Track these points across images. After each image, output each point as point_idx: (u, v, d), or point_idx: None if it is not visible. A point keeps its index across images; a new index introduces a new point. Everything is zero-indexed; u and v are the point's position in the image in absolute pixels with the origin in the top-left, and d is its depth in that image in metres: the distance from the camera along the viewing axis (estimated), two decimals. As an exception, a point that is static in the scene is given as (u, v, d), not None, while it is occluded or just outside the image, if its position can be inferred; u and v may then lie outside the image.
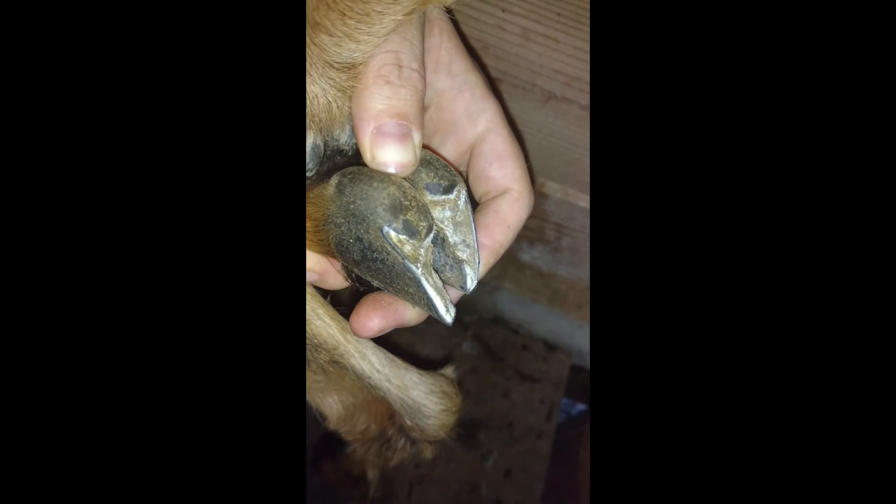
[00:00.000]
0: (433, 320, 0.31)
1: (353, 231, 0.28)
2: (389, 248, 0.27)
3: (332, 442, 0.60)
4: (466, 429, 0.67)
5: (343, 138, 0.29)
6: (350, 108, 0.27)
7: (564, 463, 0.69)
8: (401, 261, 0.27)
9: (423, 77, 0.28)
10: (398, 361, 0.42)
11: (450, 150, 0.33)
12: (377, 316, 0.30)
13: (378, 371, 0.40)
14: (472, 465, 0.65)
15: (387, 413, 0.43)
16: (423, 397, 0.43)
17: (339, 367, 0.40)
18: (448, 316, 0.29)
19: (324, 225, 0.28)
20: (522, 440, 0.67)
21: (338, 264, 0.30)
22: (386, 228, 0.27)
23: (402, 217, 0.27)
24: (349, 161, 0.29)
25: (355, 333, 0.31)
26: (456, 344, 0.71)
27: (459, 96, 0.32)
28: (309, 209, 0.28)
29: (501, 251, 0.32)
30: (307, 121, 0.26)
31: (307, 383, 0.40)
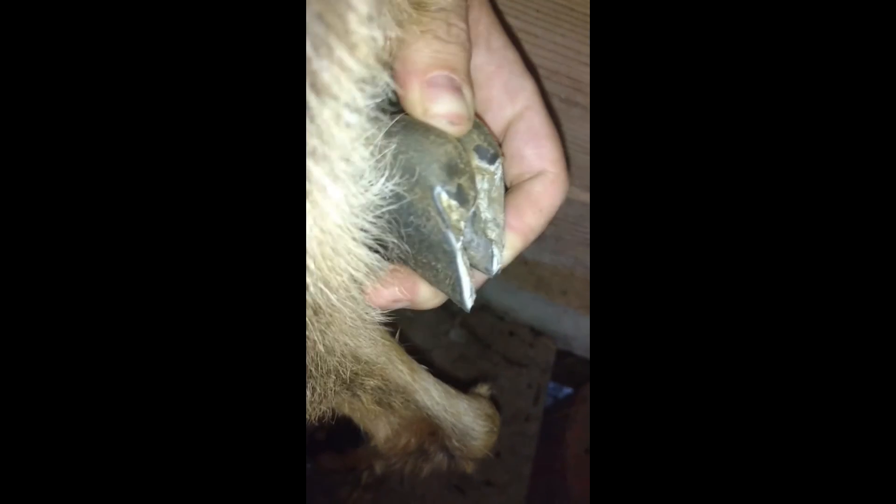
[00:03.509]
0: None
1: (395, 186, 0.24)
2: (434, 213, 0.25)
3: (338, 439, 0.63)
4: (456, 414, 0.69)
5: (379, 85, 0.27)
6: (395, 63, 0.25)
7: (551, 444, 0.71)
8: (443, 229, 0.25)
9: (469, 38, 0.27)
10: (452, 391, 0.45)
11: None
12: (396, 284, 0.29)
13: (438, 403, 0.43)
14: (462, 448, 0.67)
15: (428, 430, 0.46)
16: (472, 421, 0.47)
17: (402, 398, 0.42)
18: (470, 301, 0.27)
19: None
20: (511, 423, 0.69)
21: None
22: (438, 189, 0.24)
23: (457, 180, 0.25)
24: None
25: (369, 302, 0.29)
26: (444, 331, 0.73)
27: (498, 72, 0.30)
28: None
29: (532, 237, 0.30)
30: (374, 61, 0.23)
31: (366, 408, 0.42)
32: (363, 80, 0.20)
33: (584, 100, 0.41)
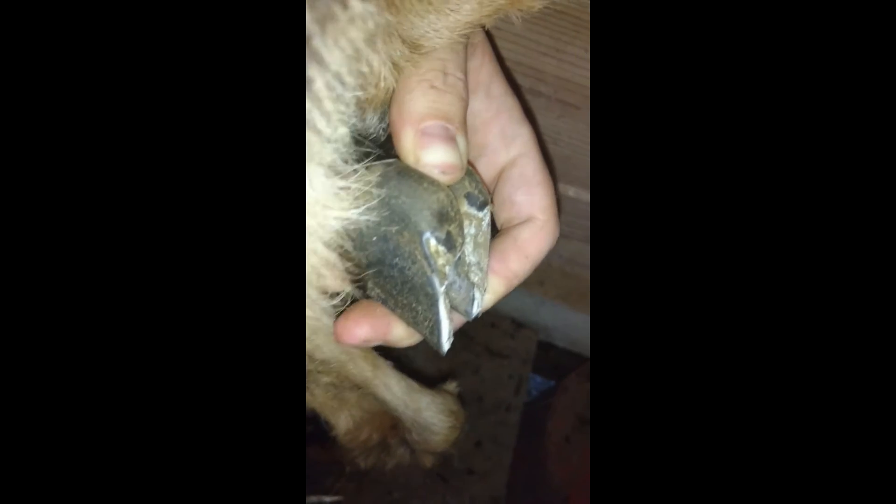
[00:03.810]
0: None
1: (384, 228, 0.25)
2: (420, 257, 0.25)
3: (322, 433, 0.64)
4: (439, 404, 0.70)
5: (373, 121, 0.28)
6: (391, 108, 0.26)
7: (532, 434, 0.72)
8: (428, 273, 0.25)
9: (467, 88, 0.27)
10: (415, 385, 0.45)
11: (481, 173, 0.31)
12: (367, 324, 0.29)
13: (398, 398, 0.43)
14: (444, 437, 0.68)
15: (389, 424, 0.47)
16: (433, 416, 0.47)
17: (359, 393, 0.42)
18: (447, 344, 0.27)
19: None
20: (492, 413, 0.70)
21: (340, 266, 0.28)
22: (427, 235, 0.25)
23: (446, 227, 0.25)
24: (379, 149, 0.28)
25: (338, 339, 0.30)
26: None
27: (496, 119, 0.31)
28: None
29: (515, 282, 0.30)
30: (356, 83, 0.24)
31: (323, 403, 0.42)
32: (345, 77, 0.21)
33: (547, 90, 0.42)
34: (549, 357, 0.80)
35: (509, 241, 0.30)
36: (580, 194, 0.52)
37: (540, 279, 0.66)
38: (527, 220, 0.30)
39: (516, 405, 0.71)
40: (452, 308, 0.28)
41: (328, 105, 0.21)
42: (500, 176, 0.31)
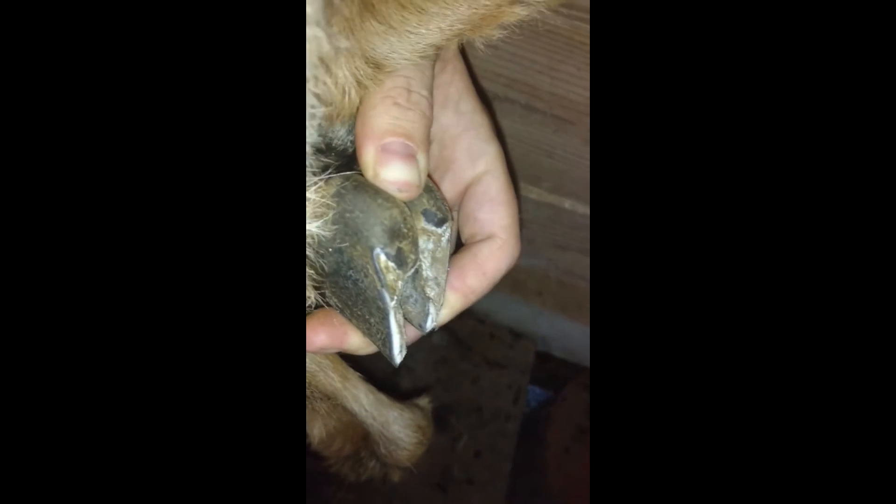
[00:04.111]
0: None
1: (338, 240, 0.26)
2: (371, 271, 0.26)
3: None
4: (438, 414, 0.70)
5: (341, 133, 0.28)
6: (356, 122, 0.27)
7: (531, 443, 0.73)
8: (378, 288, 0.26)
9: (431, 105, 0.27)
10: (384, 400, 0.46)
11: (446, 188, 0.32)
12: (324, 333, 0.29)
13: (366, 410, 0.44)
14: (443, 447, 0.68)
15: (361, 436, 0.47)
16: (400, 431, 0.47)
17: (329, 404, 0.42)
18: (399, 357, 0.27)
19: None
20: (491, 423, 0.71)
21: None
22: (378, 250, 0.25)
23: (397, 244, 0.25)
24: (345, 159, 0.28)
25: None
26: (426, 335, 0.74)
27: (463, 135, 0.31)
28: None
29: (472, 298, 0.30)
30: (316, 101, 0.25)
31: None
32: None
33: (543, 106, 0.43)
34: (548, 368, 0.81)
35: (469, 258, 0.30)
36: (576, 206, 0.53)
37: (538, 290, 0.67)
38: (487, 238, 0.30)
39: (515, 415, 0.72)
40: (407, 321, 0.28)
41: None
42: (465, 191, 0.31)
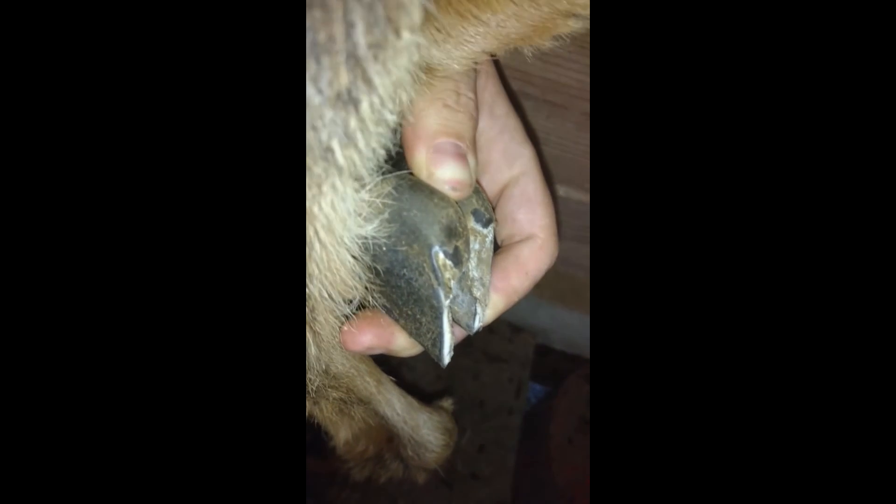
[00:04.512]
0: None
1: (394, 239, 0.26)
2: (428, 269, 0.26)
3: (321, 443, 0.64)
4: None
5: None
6: (404, 127, 0.27)
7: (535, 436, 0.72)
8: (435, 286, 0.26)
9: (477, 107, 0.28)
10: (414, 403, 0.46)
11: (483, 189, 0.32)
12: (371, 332, 0.29)
13: (398, 414, 0.44)
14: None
15: (385, 438, 0.48)
16: (429, 434, 0.48)
17: (364, 408, 0.43)
18: (448, 357, 0.28)
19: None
20: (494, 417, 0.71)
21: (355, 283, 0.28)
22: (436, 248, 0.25)
23: (454, 242, 0.26)
24: (393, 160, 0.28)
25: (343, 345, 0.30)
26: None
27: (499, 137, 0.32)
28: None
29: (515, 298, 0.31)
30: (398, 114, 0.25)
31: (328, 416, 0.43)
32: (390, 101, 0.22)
33: (535, 91, 0.43)
34: (548, 363, 0.81)
35: (510, 259, 0.30)
36: (570, 193, 0.53)
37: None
38: (527, 238, 0.31)
39: (517, 408, 0.71)
40: (454, 322, 0.28)
41: (371, 126, 0.21)
42: (501, 193, 0.32)
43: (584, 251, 0.60)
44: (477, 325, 0.29)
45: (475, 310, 0.29)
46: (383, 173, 0.27)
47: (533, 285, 0.31)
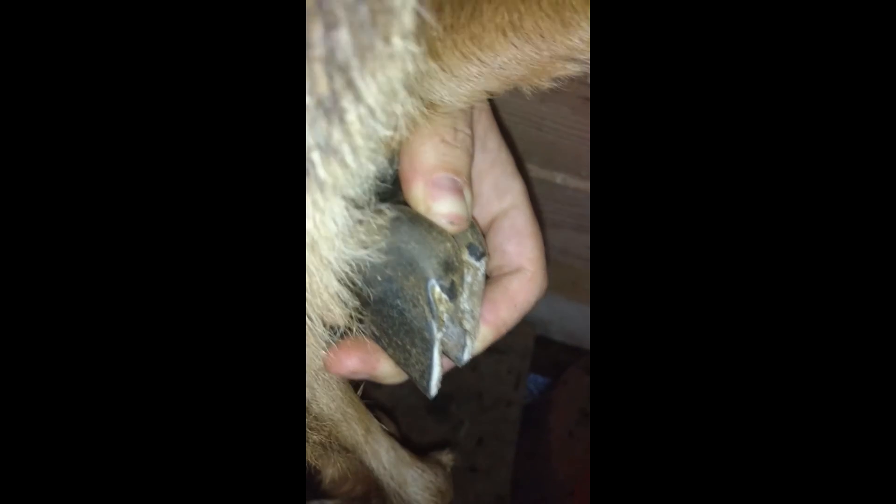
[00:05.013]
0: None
1: (390, 270, 0.26)
2: (423, 302, 0.26)
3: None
4: (438, 402, 0.69)
5: (383, 165, 0.29)
6: (401, 158, 0.28)
7: (534, 429, 0.72)
8: (429, 319, 0.26)
9: (473, 143, 0.29)
10: (405, 458, 0.45)
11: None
12: (356, 356, 0.30)
13: (385, 468, 0.43)
14: (445, 435, 0.68)
15: (373, 480, 0.46)
16: (417, 493, 0.46)
17: (346, 457, 0.42)
18: (435, 389, 0.28)
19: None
20: (492, 409, 0.70)
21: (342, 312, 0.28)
22: (433, 282, 0.26)
23: (451, 276, 0.26)
24: (388, 190, 0.29)
25: (327, 368, 0.30)
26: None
27: (490, 171, 0.32)
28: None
29: (504, 330, 0.31)
30: (390, 129, 0.25)
31: (310, 451, 0.41)
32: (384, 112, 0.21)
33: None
34: (548, 354, 0.80)
35: (500, 291, 0.31)
36: (567, 181, 0.52)
37: (533, 271, 0.66)
38: (517, 270, 0.31)
39: (516, 400, 0.71)
40: (444, 353, 0.29)
41: (359, 140, 0.21)
42: (491, 225, 0.32)
43: (583, 240, 0.59)
44: (466, 357, 0.29)
45: (465, 342, 0.29)
46: (383, 201, 0.27)
47: (521, 317, 0.32)
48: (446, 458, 0.51)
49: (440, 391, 0.71)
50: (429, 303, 0.26)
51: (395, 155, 0.28)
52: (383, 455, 0.42)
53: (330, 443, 0.38)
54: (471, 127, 0.29)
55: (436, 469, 0.48)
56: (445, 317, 0.27)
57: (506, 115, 0.47)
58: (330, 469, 0.44)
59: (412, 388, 0.66)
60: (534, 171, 0.52)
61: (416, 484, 0.45)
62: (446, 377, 0.71)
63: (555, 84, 0.28)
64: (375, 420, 0.42)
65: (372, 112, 0.20)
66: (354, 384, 0.40)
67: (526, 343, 0.73)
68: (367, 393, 0.48)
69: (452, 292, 0.26)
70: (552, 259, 0.64)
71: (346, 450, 0.40)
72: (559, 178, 0.52)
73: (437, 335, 0.26)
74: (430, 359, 0.27)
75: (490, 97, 0.29)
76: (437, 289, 0.26)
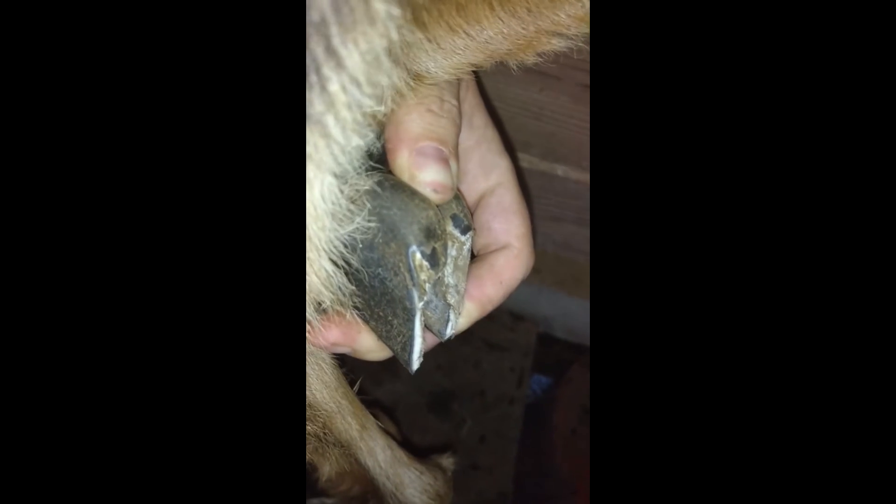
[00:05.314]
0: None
1: (371, 237, 0.26)
2: (404, 269, 0.26)
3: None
4: (440, 400, 0.68)
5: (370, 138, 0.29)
6: (387, 128, 0.27)
7: (537, 426, 0.71)
8: (410, 287, 0.26)
9: (460, 114, 0.29)
10: (402, 458, 0.43)
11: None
12: (337, 329, 0.29)
13: (380, 468, 0.42)
14: (447, 433, 0.67)
15: (371, 479, 0.44)
16: (415, 496, 0.44)
17: (340, 451, 0.40)
18: (417, 362, 0.28)
19: None
20: (495, 407, 0.69)
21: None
22: (414, 248, 0.25)
23: (432, 243, 0.26)
24: (378, 161, 0.28)
25: (308, 341, 0.30)
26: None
27: (476, 148, 0.32)
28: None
29: (489, 307, 0.31)
30: (376, 101, 0.24)
31: (307, 447, 0.40)
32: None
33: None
34: (551, 353, 0.79)
35: (486, 267, 0.31)
36: (568, 173, 0.51)
37: (536, 267, 0.65)
38: (503, 248, 0.31)
39: (519, 398, 0.70)
40: (427, 327, 0.28)
41: (344, 111, 0.20)
42: (478, 203, 0.32)
43: (586, 235, 0.58)
44: (449, 331, 0.29)
45: (448, 316, 0.28)
46: (366, 170, 0.26)
47: (507, 295, 0.32)
48: (447, 461, 0.49)
49: (442, 388, 0.70)
50: (410, 270, 0.25)
51: (382, 129, 0.28)
52: (379, 453, 0.41)
53: (325, 435, 0.38)
54: (458, 99, 0.29)
55: (435, 472, 0.46)
56: (428, 287, 0.26)
57: (503, 104, 0.46)
58: (327, 466, 0.43)
59: (413, 386, 0.65)
60: (534, 162, 0.51)
61: (413, 486, 0.44)
62: (446, 374, 0.70)
63: (540, 60, 0.28)
64: (371, 417, 0.41)
65: (356, 83, 0.19)
66: (350, 381, 0.39)
67: (528, 340, 0.73)
68: (367, 391, 0.47)
69: (434, 260, 0.26)
70: (554, 255, 0.63)
71: (341, 444, 0.39)
72: (560, 169, 0.51)
73: (419, 304, 0.26)
74: (412, 329, 0.26)
75: (476, 70, 0.28)
76: (419, 255, 0.25)
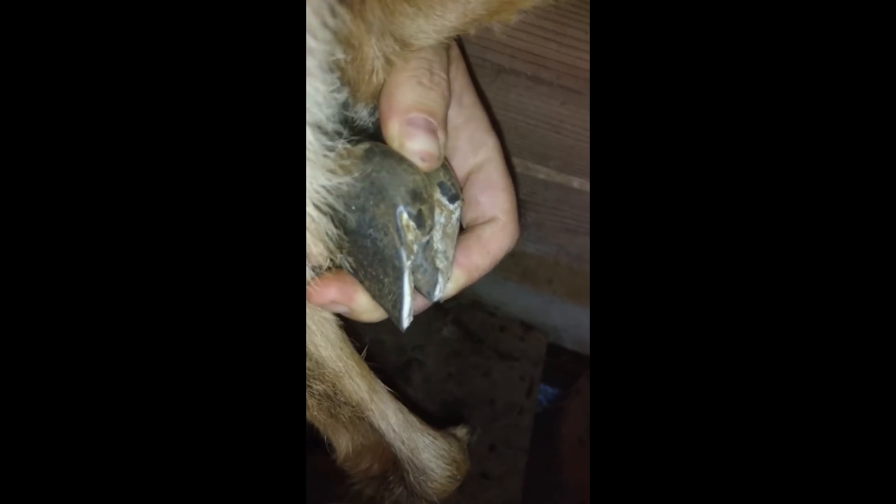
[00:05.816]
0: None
1: (362, 199, 0.27)
2: (392, 229, 0.27)
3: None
4: (450, 409, 0.69)
5: (363, 114, 0.31)
6: (380, 100, 0.29)
7: (546, 437, 0.71)
8: (398, 245, 0.27)
9: (449, 88, 0.31)
10: (415, 423, 0.44)
11: None
12: (335, 287, 0.31)
13: (394, 431, 0.42)
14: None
15: (391, 458, 0.45)
16: (431, 461, 0.45)
17: (351, 411, 0.41)
18: (406, 320, 0.29)
19: None
20: (504, 416, 0.69)
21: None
22: (401, 208, 0.27)
23: (418, 205, 0.28)
24: (367, 138, 0.30)
25: (308, 298, 0.31)
26: (437, 329, 0.73)
27: (465, 126, 0.34)
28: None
29: (476, 275, 0.33)
30: (339, 81, 0.26)
31: (317, 417, 0.41)
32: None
33: (549, 76, 0.43)
34: (560, 363, 0.80)
35: (473, 238, 0.33)
36: (584, 185, 0.52)
37: (549, 277, 0.66)
38: (490, 220, 0.33)
39: (528, 408, 0.70)
40: (417, 289, 0.30)
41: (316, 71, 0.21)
42: (467, 178, 0.34)
43: (598, 246, 0.59)
44: (437, 294, 0.30)
45: (437, 279, 0.30)
46: (359, 141, 0.28)
47: (494, 264, 0.33)
48: (461, 432, 0.49)
49: (452, 397, 0.70)
50: (398, 230, 0.27)
51: (376, 104, 0.30)
52: (391, 416, 0.41)
53: (335, 395, 0.38)
54: (447, 72, 0.31)
55: (449, 439, 0.46)
56: (415, 247, 0.28)
57: (523, 117, 0.47)
58: (343, 441, 0.43)
59: (424, 392, 0.65)
60: (551, 175, 0.52)
61: (428, 451, 0.44)
62: (457, 383, 0.70)
63: (521, 17, 0.29)
64: (380, 381, 0.41)
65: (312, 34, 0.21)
66: (358, 347, 0.40)
67: (538, 350, 0.73)
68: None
69: (420, 221, 0.28)
70: (567, 267, 0.64)
71: (352, 405, 0.40)
72: (576, 182, 0.52)
73: (407, 263, 0.28)
74: (401, 287, 0.28)
75: (460, 35, 0.29)
76: (405, 215, 0.27)
